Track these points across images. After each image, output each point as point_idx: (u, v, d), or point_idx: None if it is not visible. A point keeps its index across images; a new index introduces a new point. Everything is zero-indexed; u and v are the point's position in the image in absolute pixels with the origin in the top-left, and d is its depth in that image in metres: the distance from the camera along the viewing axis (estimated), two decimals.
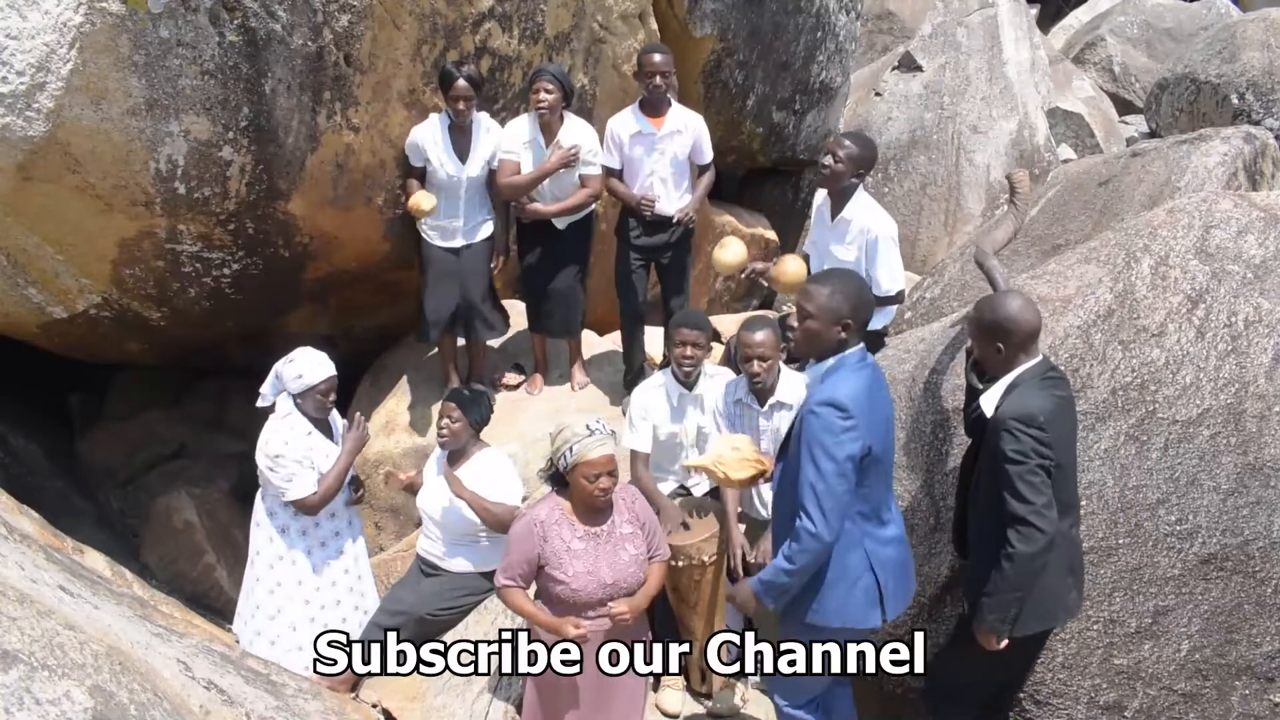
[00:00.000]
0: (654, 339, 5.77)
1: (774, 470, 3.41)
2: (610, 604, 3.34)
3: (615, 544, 3.38)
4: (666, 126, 5.13)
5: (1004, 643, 3.17)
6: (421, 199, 4.99)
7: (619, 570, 3.36)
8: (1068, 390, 3.25)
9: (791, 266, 4.62)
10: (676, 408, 4.39)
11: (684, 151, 5.20)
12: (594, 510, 3.39)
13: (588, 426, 3.30)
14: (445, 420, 4.23)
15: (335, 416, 4.46)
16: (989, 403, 3.21)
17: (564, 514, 3.38)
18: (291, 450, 4.13)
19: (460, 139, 5.06)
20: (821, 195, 4.72)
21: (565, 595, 3.35)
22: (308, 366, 4.19)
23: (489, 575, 4.28)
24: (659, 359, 5.72)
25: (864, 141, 4.64)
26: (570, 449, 3.29)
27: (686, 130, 5.18)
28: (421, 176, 5.11)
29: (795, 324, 3.37)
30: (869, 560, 3.15)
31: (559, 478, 3.39)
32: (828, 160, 4.48)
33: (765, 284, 5.06)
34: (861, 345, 3.14)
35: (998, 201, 9.24)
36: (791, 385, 3.97)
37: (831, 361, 3.11)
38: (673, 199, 5.23)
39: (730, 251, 4.77)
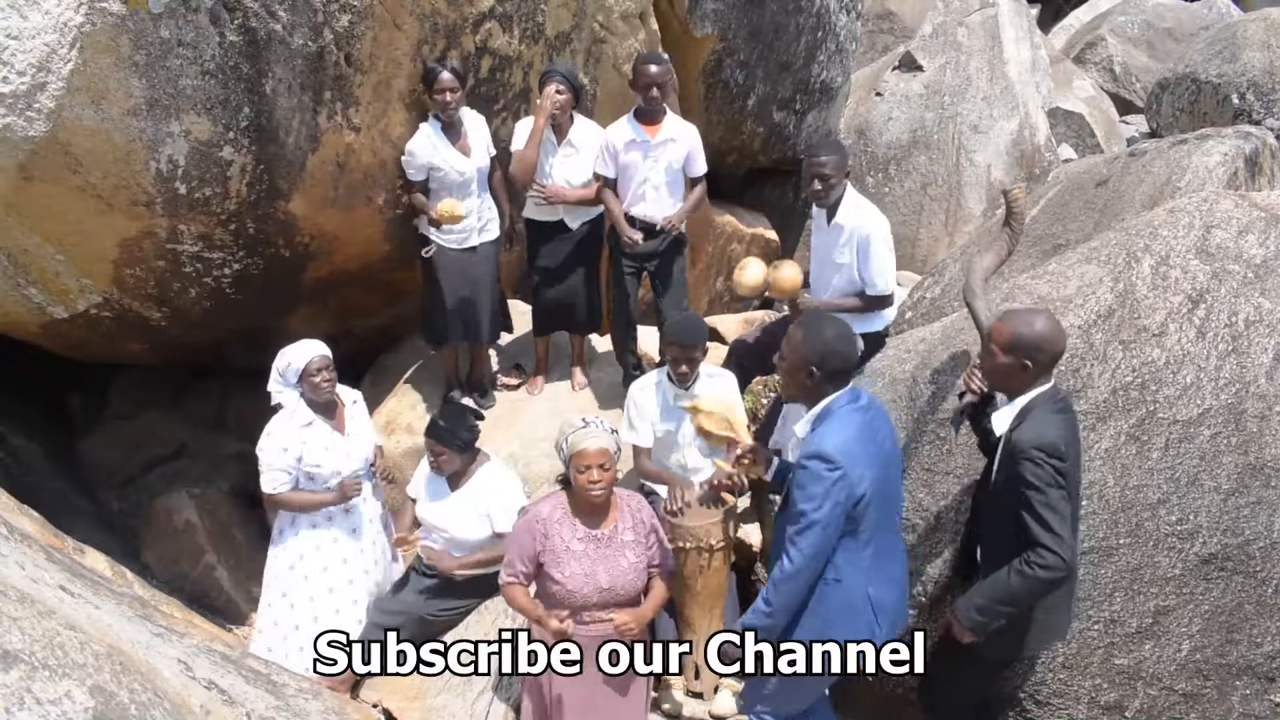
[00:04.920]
0: (649, 338, 5.78)
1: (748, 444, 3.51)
2: (612, 613, 3.34)
3: (615, 549, 3.38)
4: (661, 134, 5.11)
5: (971, 639, 3.17)
6: (453, 206, 4.96)
7: (616, 576, 3.35)
8: (1074, 415, 3.24)
9: (787, 272, 4.65)
10: (672, 406, 4.40)
11: (678, 160, 5.17)
12: (593, 509, 3.39)
13: (584, 419, 3.33)
14: (433, 455, 4.24)
15: (348, 394, 4.53)
16: (1001, 422, 3.18)
17: (566, 513, 3.38)
18: (270, 443, 4.28)
19: (454, 136, 5.07)
20: None
21: (560, 595, 3.35)
22: (295, 352, 4.33)
23: (490, 578, 4.28)
24: (658, 358, 5.73)
25: (835, 146, 4.67)
26: (566, 440, 3.32)
27: (681, 140, 5.15)
28: (424, 189, 5.11)
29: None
30: (873, 608, 3.16)
31: (568, 479, 3.41)
32: (817, 185, 4.43)
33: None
34: (850, 389, 3.14)
35: (998, 202, 9.23)
36: None
37: (820, 408, 3.12)
38: (665, 206, 5.20)
39: (749, 273, 4.84)
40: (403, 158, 5.05)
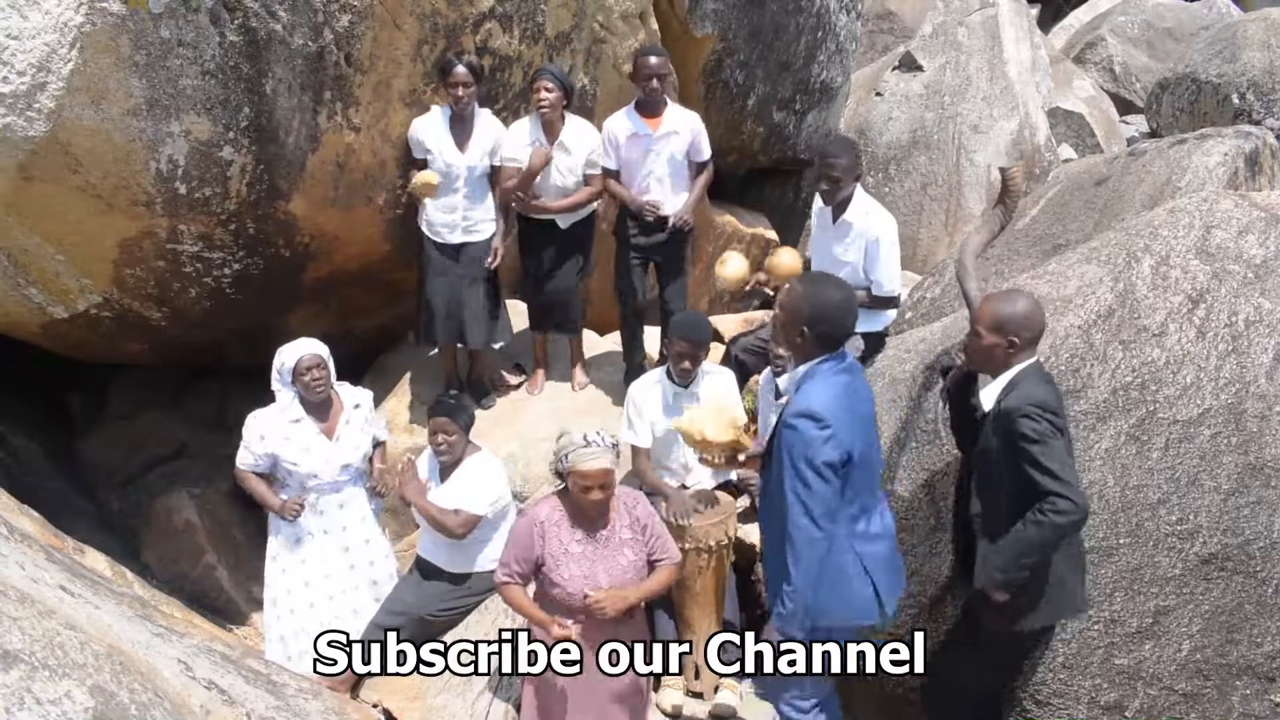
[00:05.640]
0: (652, 337, 5.78)
1: (756, 453, 3.46)
2: (604, 592, 3.29)
3: (614, 549, 3.37)
4: (663, 127, 5.12)
5: (1004, 597, 3.15)
6: (427, 175, 4.96)
7: (615, 576, 3.35)
8: (1059, 390, 3.29)
9: (786, 259, 4.70)
10: (672, 405, 4.41)
11: (681, 152, 5.18)
12: (590, 515, 3.39)
13: (585, 437, 3.27)
14: (442, 436, 4.24)
15: (349, 392, 4.54)
16: (988, 397, 3.22)
17: (563, 515, 3.37)
18: (252, 425, 4.38)
19: (460, 130, 5.07)
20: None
21: (560, 598, 3.34)
22: (288, 352, 4.38)
23: (489, 576, 4.29)
24: (657, 357, 5.73)
25: (847, 146, 4.67)
26: (566, 456, 3.28)
27: (684, 130, 5.17)
28: (423, 169, 5.12)
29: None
30: (862, 563, 3.15)
31: (564, 482, 3.40)
32: (825, 185, 4.50)
33: (768, 290, 5.08)
34: (841, 352, 3.11)
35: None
36: None
37: (805, 369, 3.09)
38: (670, 199, 5.22)
39: (730, 266, 4.85)
40: (409, 132, 5.09)
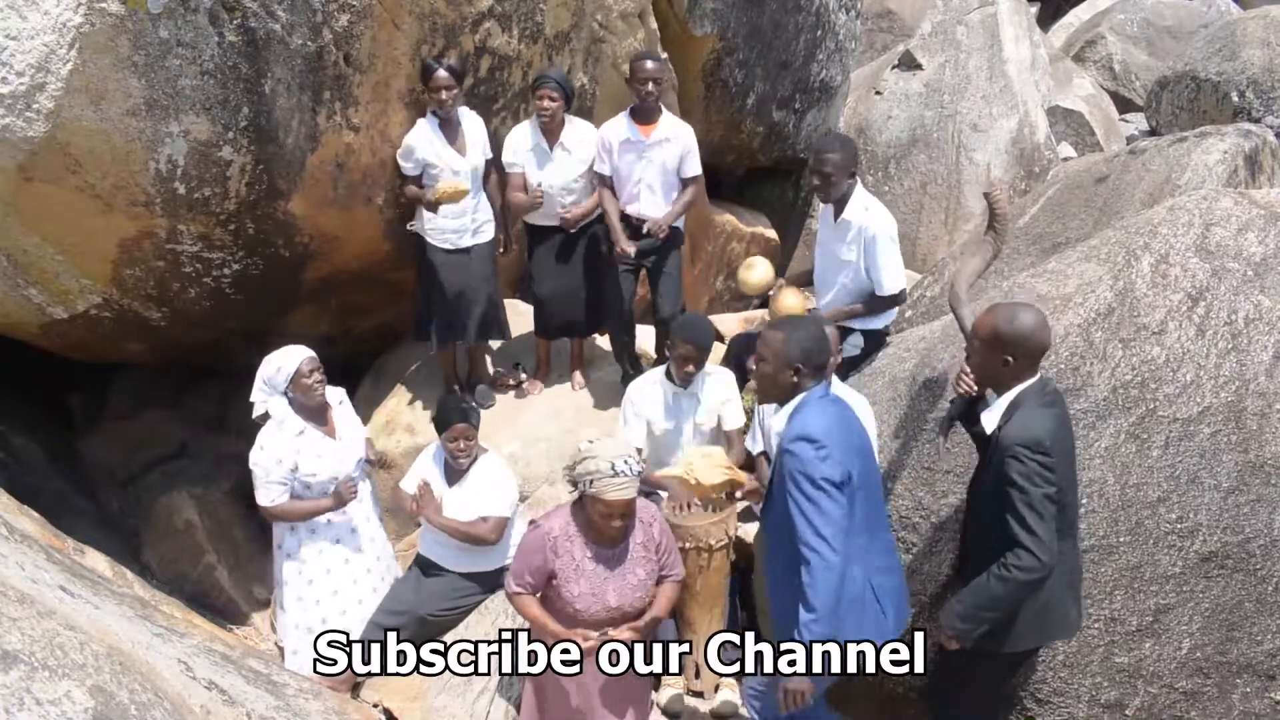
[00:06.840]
0: (645, 335, 5.78)
1: (750, 484, 3.61)
2: (612, 630, 3.28)
3: (625, 568, 3.34)
4: (655, 135, 5.10)
5: (955, 645, 3.15)
6: (454, 183, 4.93)
7: (624, 595, 3.33)
8: (1065, 408, 3.21)
9: (789, 300, 4.72)
10: (672, 405, 4.40)
11: (673, 161, 5.15)
12: (606, 535, 3.36)
13: (614, 466, 3.18)
14: (464, 441, 4.23)
15: (333, 394, 4.48)
16: (990, 420, 3.16)
17: (576, 530, 3.34)
18: (265, 456, 4.21)
19: (451, 134, 5.06)
20: None
21: (568, 613, 3.32)
22: (284, 357, 4.28)
23: (491, 575, 4.29)
24: (655, 356, 5.73)
25: (842, 142, 4.66)
26: (591, 482, 3.21)
27: (676, 140, 5.14)
28: (418, 184, 5.10)
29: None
30: (873, 589, 3.14)
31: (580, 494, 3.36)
32: (817, 181, 4.52)
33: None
34: (825, 384, 3.16)
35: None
36: None
37: (795, 402, 3.13)
38: (659, 206, 5.19)
39: (756, 273, 4.91)
40: (398, 152, 5.04)
